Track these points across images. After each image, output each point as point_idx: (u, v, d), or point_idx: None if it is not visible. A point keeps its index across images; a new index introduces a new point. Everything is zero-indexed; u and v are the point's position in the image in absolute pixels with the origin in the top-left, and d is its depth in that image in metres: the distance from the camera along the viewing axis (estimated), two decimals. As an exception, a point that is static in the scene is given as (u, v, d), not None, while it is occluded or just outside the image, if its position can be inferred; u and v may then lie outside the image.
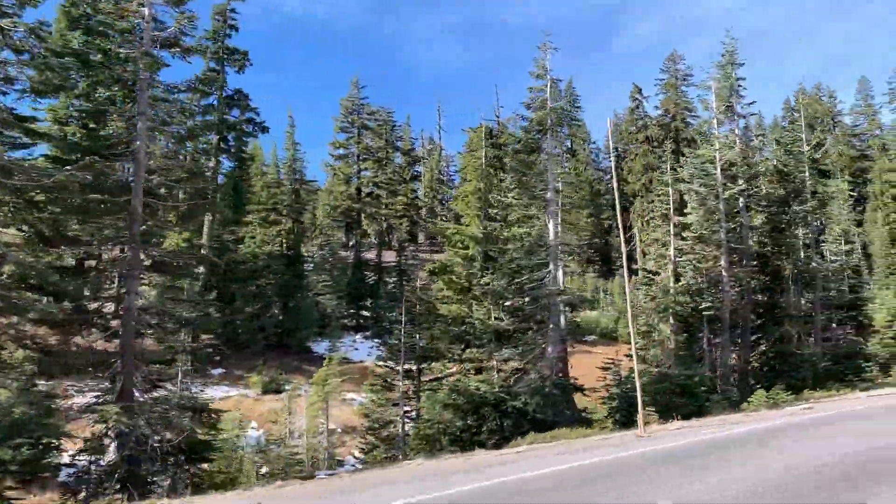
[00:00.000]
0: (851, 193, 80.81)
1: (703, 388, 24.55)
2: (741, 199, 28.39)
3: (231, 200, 52.40)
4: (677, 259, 27.20)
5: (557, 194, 21.03)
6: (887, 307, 52.15)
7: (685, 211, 27.39)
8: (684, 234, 26.95)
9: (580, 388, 21.28)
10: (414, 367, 21.10)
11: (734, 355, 28.80)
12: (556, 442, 13.21)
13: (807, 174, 29.18)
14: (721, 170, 27.28)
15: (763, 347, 28.64)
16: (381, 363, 22.08)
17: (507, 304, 20.48)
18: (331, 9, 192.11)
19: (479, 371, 21.08)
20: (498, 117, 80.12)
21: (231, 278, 43.35)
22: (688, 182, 26.55)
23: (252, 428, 31.21)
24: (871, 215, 74.32)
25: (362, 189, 67.25)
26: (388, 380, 21.27)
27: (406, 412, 21.13)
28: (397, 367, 20.95)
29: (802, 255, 31.10)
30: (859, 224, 75.82)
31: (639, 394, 13.41)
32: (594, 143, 77.71)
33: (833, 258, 34.41)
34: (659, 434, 12.70)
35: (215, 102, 54.02)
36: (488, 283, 20.28)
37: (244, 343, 40.52)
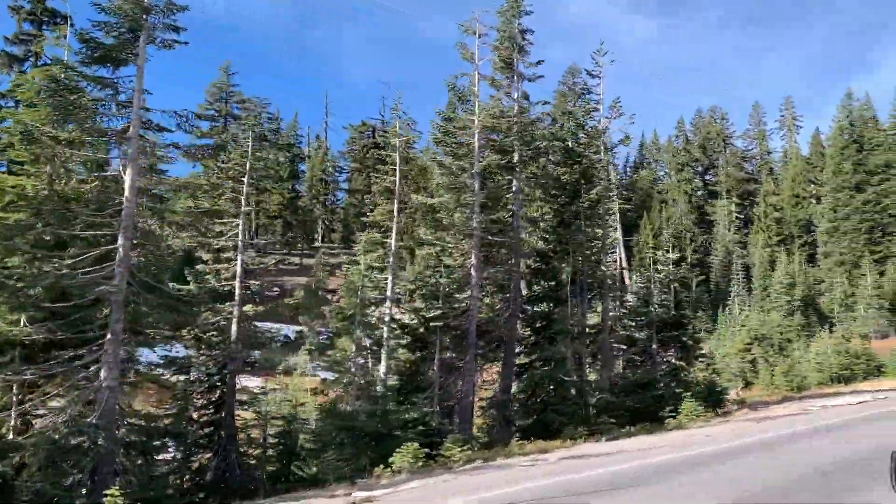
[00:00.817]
0: (738, 216, 76.71)
1: (420, 428, 16.58)
2: (515, 182, 20.80)
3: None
4: (419, 251, 19.28)
5: (148, 132, 12.80)
6: (748, 328, 46.20)
7: (434, 188, 19.56)
8: (429, 219, 19.13)
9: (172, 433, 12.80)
10: None
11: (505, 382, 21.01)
12: None
13: (602, 155, 21.87)
14: (485, 141, 19.61)
15: (540, 372, 20.96)
16: None
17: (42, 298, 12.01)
18: (263, 21, 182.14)
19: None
20: (382, 116, 72.25)
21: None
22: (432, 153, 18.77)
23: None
24: (754, 237, 70.04)
25: (221, 182, 57.77)
26: None
27: None
28: None
29: (612, 259, 23.75)
30: (744, 245, 71.41)
31: None
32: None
33: (660, 268, 27.24)
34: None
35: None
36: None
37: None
